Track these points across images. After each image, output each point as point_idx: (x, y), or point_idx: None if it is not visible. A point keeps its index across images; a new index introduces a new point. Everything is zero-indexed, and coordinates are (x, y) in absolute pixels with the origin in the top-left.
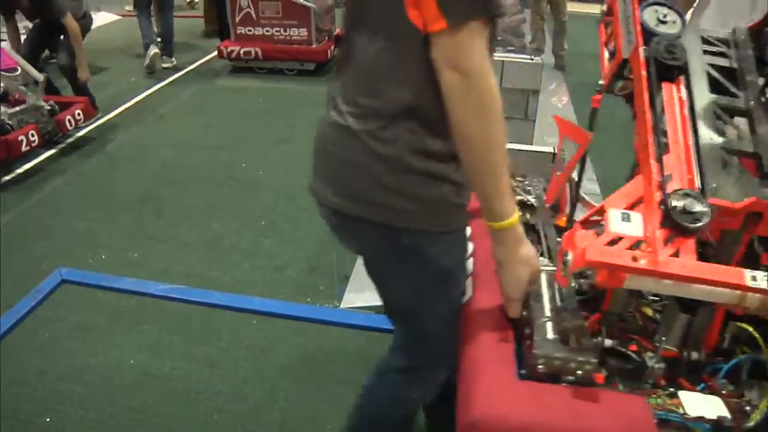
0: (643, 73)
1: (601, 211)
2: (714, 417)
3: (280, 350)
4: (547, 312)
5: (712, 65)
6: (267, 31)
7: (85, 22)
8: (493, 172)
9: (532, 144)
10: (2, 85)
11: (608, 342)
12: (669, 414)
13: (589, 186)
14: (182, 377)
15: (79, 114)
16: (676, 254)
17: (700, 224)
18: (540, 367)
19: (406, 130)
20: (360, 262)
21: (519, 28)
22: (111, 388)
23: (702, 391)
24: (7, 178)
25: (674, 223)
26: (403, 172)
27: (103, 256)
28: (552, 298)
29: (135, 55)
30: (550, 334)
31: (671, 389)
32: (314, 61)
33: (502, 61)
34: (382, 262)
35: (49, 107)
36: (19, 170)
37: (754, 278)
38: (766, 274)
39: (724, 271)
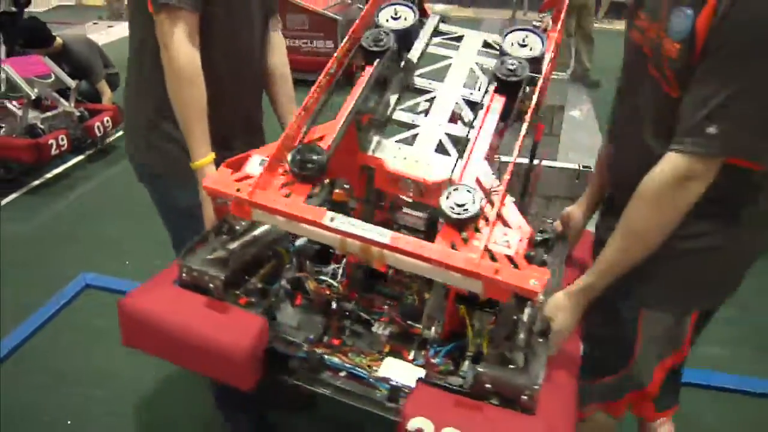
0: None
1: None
2: (396, 382)
3: None
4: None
5: (478, 63)
6: (293, 42)
7: (113, 79)
8: (186, 125)
9: (556, 160)
10: (36, 90)
11: (349, 306)
12: (356, 369)
13: None
14: (201, 384)
15: (108, 121)
16: (289, 195)
17: (308, 173)
18: (184, 275)
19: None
20: None
21: None
22: (131, 393)
23: (416, 364)
24: (36, 183)
25: (291, 170)
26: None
27: (127, 263)
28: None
29: None
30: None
31: (387, 355)
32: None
33: None
34: None
35: (79, 113)
36: (48, 175)
37: (332, 219)
38: (350, 219)
39: (308, 210)
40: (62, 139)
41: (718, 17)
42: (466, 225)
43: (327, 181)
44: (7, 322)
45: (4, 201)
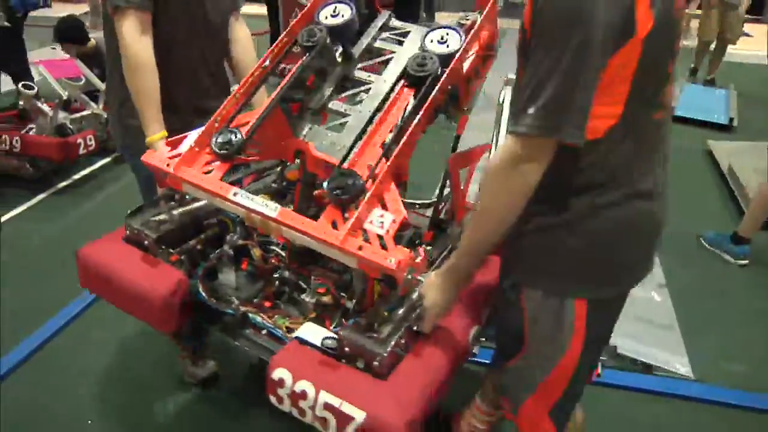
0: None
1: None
2: (305, 337)
3: None
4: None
5: (379, 47)
6: None
7: None
8: (139, 107)
9: None
10: (67, 92)
11: (286, 274)
12: (275, 329)
13: None
14: (224, 386)
15: None
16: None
17: (226, 153)
18: (128, 233)
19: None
20: None
21: None
22: (153, 392)
23: (333, 330)
24: (64, 183)
25: (213, 149)
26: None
27: None
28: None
29: None
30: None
31: (311, 321)
32: None
33: None
34: None
35: (107, 116)
36: (76, 176)
37: (235, 194)
38: (250, 195)
39: (218, 185)
40: (90, 140)
41: (536, 6)
42: (347, 206)
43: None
44: (34, 320)
45: (33, 201)
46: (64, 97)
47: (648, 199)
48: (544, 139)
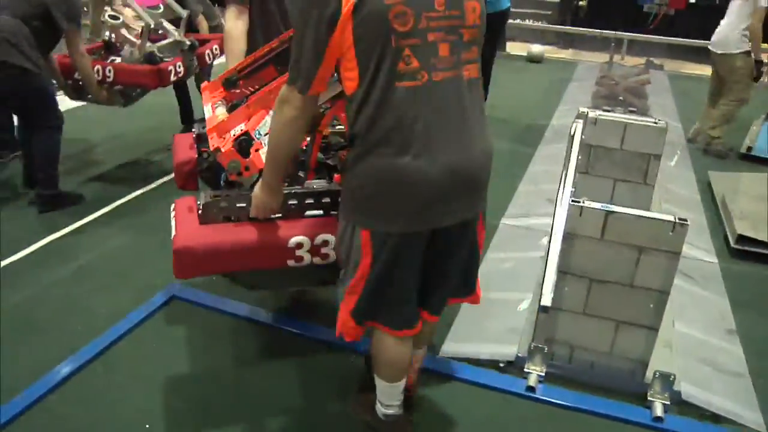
0: None
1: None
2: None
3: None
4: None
5: None
6: None
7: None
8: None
9: (649, 210)
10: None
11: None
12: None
13: None
14: (276, 395)
15: (216, 49)
16: None
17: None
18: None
19: None
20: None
21: (642, 89)
22: (206, 400)
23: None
24: (139, 192)
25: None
26: None
27: (214, 278)
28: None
29: None
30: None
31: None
32: None
33: (624, 123)
34: None
35: (189, 42)
36: (142, 190)
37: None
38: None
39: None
40: (179, 66)
41: None
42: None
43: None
44: (99, 325)
45: (102, 211)
46: (152, 25)
47: (403, 156)
48: (290, 87)
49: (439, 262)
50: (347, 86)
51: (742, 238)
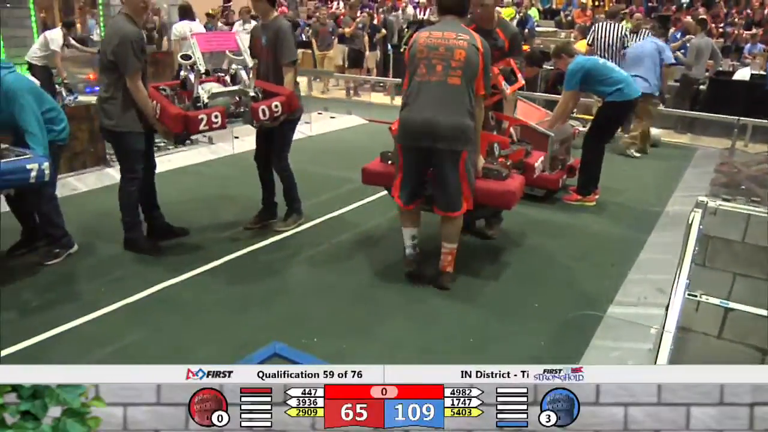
0: None
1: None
2: None
3: None
4: None
5: None
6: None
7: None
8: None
9: None
10: (205, 64)
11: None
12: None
13: None
14: None
15: (276, 106)
16: None
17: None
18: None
19: None
20: None
21: (766, 178)
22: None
23: None
24: (246, 250)
25: None
26: None
27: (315, 339)
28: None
29: None
30: None
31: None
32: (545, 188)
33: (747, 214)
34: None
35: (254, 93)
36: (258, 245)
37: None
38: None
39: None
40: (216, 116)
41: None
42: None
43: None
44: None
45: (214, 264)
46: (202, 69)
47: (409, 111)
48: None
49: (435, 173)
50: (405, 82)
51: None
